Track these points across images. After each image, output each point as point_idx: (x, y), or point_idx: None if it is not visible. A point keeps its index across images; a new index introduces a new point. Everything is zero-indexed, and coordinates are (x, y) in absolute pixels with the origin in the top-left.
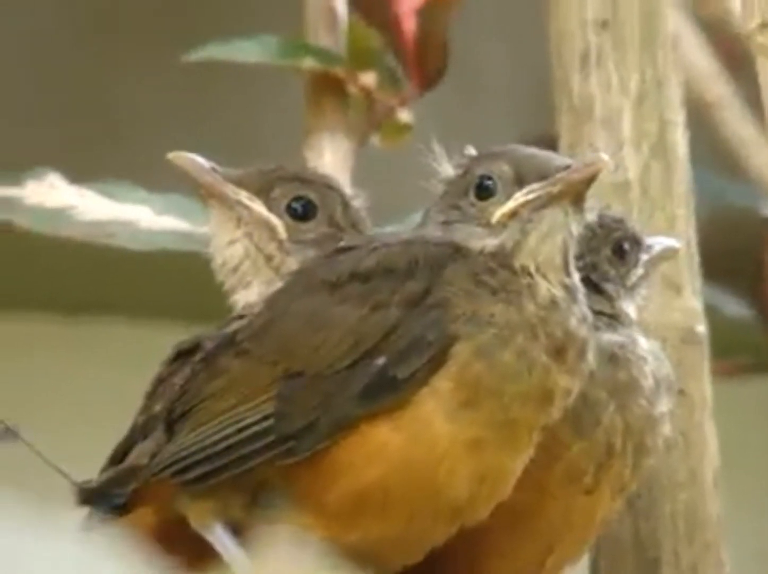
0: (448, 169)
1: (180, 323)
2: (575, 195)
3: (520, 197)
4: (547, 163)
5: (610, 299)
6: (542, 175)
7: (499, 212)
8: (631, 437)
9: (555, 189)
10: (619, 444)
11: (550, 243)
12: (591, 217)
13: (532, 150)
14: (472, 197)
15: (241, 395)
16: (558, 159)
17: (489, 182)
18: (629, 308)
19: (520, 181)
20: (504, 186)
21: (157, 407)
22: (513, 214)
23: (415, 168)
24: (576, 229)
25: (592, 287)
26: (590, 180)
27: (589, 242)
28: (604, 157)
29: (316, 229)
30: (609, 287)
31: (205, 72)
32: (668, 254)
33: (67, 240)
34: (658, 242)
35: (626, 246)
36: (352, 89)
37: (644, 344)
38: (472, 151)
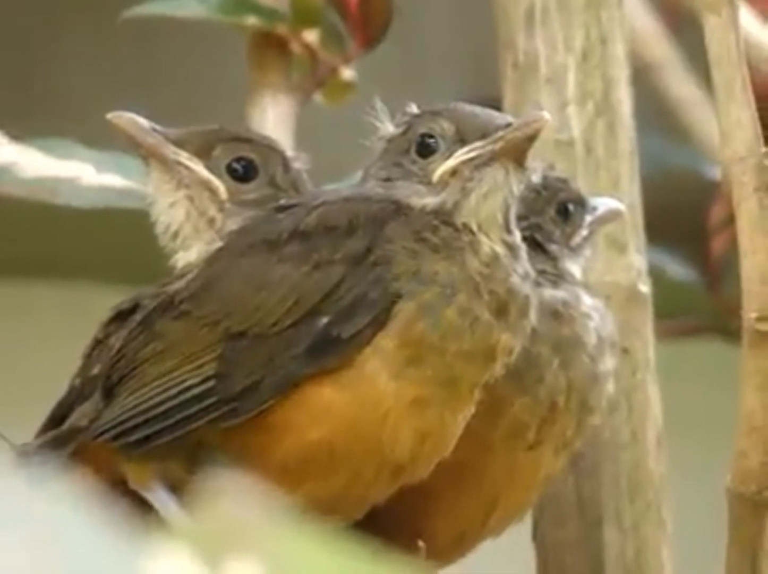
0: (389, 127)
1: (123, 283)
2: (517, 153)
3: (461, 155)
4: (488, 121)
5: (553, 259)
6: (484, 133)
7: (440, 170)
8: (575, 394)
9: (496, 147)
10: (562, 401)
11: (491, 201)
12: (535, 178)
13: (474, 108)
14: (413, 155)
15: (182, 357)
16: (500, 117)
17: (431, 140)
18: (573, 268)
19: (461, 139)
20: (446, 144)
21: (95, 370)
22: (454, 172)
23: (358, 126)
24: (517, 187)
25: (536, 247)
26: (532, 138)
27: (534, 203)
28: (546, 114)
29: (257, 190)
30: (553, 248)
31: (146, 30)
32: (612, 217)
33: (7, 197)
34: (602, 204)
35: (571, 207)
36: (295, 47)
37: (588, 301)
38: (413, 108)
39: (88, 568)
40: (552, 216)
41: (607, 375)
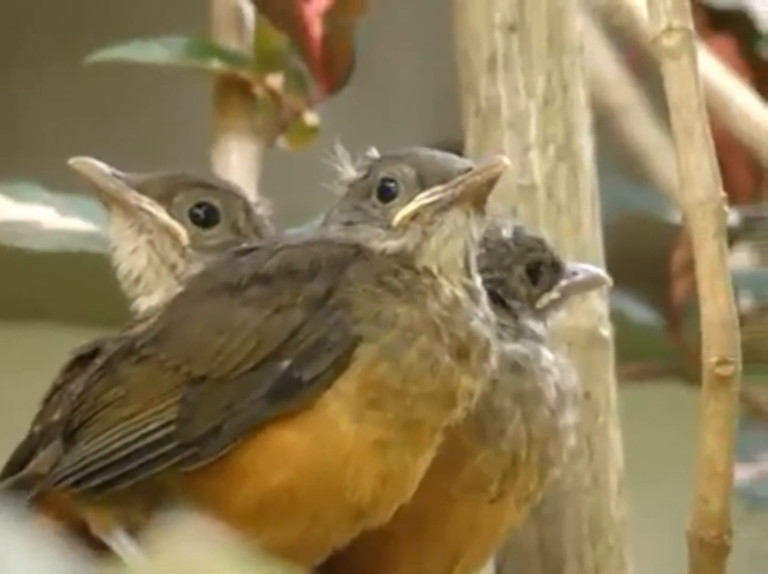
0: (350, 171)
1: (84, 327)
2: (477, 197)
3: (421, 199)
4: (448, 166)
5: (514, 316)
6: (444, 178)
7: (400, 214)
8: (536, 447)
9: (456, 191)
10: (524, 454)
11: (452, 246)
12: (506, 232)
13: (434, 152)
14: (374, 199)
15: (143, 402)
16: (459, 162)
17: (391, 185)
18: (537, 326)
19: (422, 184)
20: (406, 188)
21: (56, 416)
22: (414, 216)
23: (321, 171)
24: (477, 231)
25: (498, 301)
26: (492, 182)
27: (502, 258)
28: (505, 159)
29: (219, 235)
30: (514, 304)
31: (110, 73)
32: (594, 284)
33: None
34: (583, 270)
35: (542, 269)
36: (258, 91)
37: (549, 356)
38: (374, 153)
39: None
40: (520, 274)
41: (568, 429)
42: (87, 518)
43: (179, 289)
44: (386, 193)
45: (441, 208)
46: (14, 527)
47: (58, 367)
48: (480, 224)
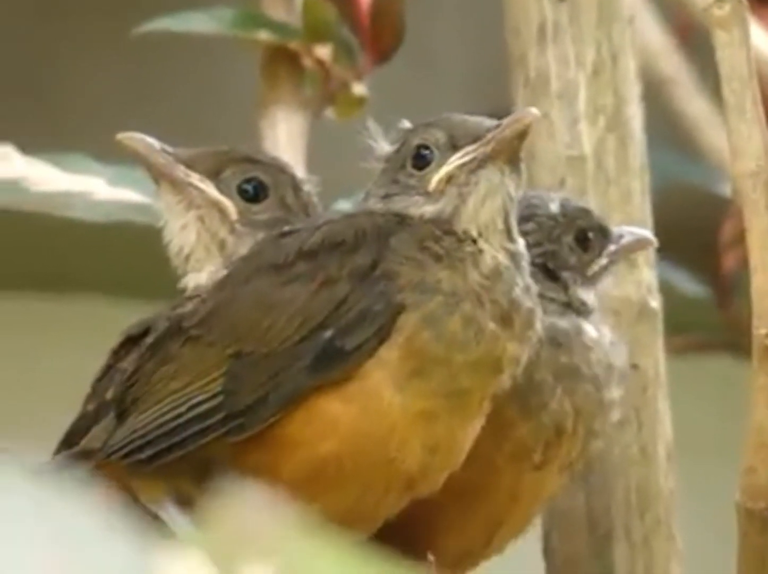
0: (384, 146)
1: (138, 298)
2: (509, 152)
3: (454, 161)
4: (479, 126)
5: (564, 287)
6: (475, 138)
7: (435, 178)
8: (582, 420)
9: (488, 149)
10: (570, 426)
11: (490, 205)
12: (554, 206)
13: (464, 116)
14: (410, 168)
15: (191, 376)
16: (489, 121)
17: (426, 152)
18: (586, 296)
19: (454, 146)
20: (440, 153)
21: (108, 395)
22: (449, 178)
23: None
24: (515, 189)
25: (548, 273)
26: (522, 135)
27: (551, 231)
28: (534, 110)
29: (267, 211)
30: (565, 275)
31: (158, 44)
32: (641, 245)
33: (19, 212)
34: (629, 233)
35: (590, 235)
36: (307, 62)
37: (591, 333)
38: (406, 124)
39: (104, 569)
40: (570, 244)
41: (612, 403)
42: (137, 489)
43: (224, 271)
44: (421, 161)
45: (475, 167)
46: (75, 496)
47: (105, 339)
48: (516, 182)
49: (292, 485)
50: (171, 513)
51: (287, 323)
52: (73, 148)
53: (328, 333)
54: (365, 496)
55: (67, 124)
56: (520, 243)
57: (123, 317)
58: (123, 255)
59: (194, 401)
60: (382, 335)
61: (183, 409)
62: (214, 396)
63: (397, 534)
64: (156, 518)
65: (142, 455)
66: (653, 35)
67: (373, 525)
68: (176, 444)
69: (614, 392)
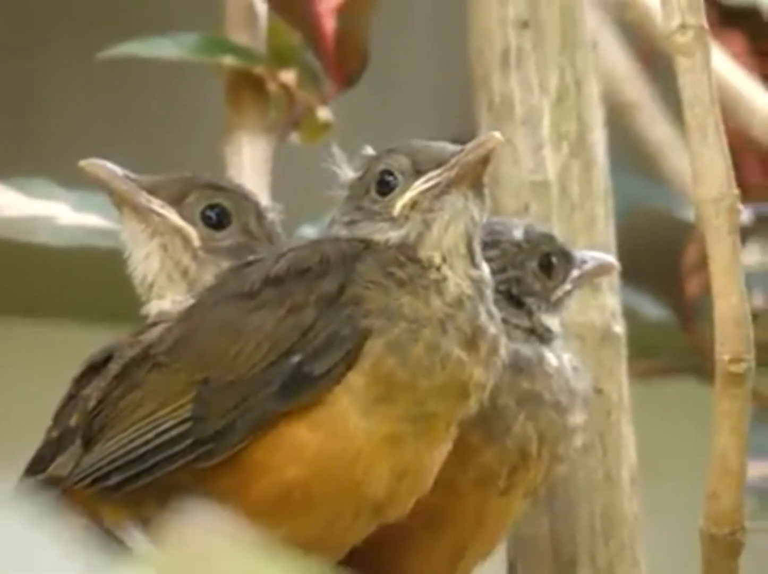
0: (348, 173)
1: (101, 323)
2: (473, 177)
3: (418, 186)
4: (442, 151)
5: (528, 313)
6: (439, 163)
7: (399, 204)
8: (547, 445)
9: (452, 173)
10: (534, 450)
11: (453, 230)
12: (517, 233)
13: (427, 142)
14: (374, 194)
15: (158, 402)
16: (452, 146)
17: (389, 177)
18: (551, 321)
19: (417, 172)
20: (404, 178)
21: (72, 421)
22: (413, 204)
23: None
24: (478, 214)
25: (512, 300)
26: (485, 159)
27: (514, 257)
28: (497, 134)
29: (230, 237)
30: (529, 301)
31: (125, 69)
32: (604, 271)
33: None
34: (591, 258)
35: (554, 261)
36: (271, 87)
37: (552, 360)
38: (369, 150)
39: None
40: (534, 270)
41: (576, 428)
42: (103, 515)
43: (191, 300)
44: (385, 187)
45: (439, 192)
46: (40, 523)
47: (70, 363)
48: (480, 207)
49: (259, 510)
50: (135, 538)
51: (255, 349)
52: (38, 174)
53: (296, 359)
54: (333, 521)
55: (32, 150)
56: (485, 268)
57: (91, 340)
58: (87, 280)
59: (162, 427)
60: (350, 360)
61: (151, 435)
62: (183, 422)
63: (363, 559)
64: (121, 542)
65: (110, 482)
66: (617, 60)
67: (341, 550)
68: (144, 470)
69: (578, 417)
